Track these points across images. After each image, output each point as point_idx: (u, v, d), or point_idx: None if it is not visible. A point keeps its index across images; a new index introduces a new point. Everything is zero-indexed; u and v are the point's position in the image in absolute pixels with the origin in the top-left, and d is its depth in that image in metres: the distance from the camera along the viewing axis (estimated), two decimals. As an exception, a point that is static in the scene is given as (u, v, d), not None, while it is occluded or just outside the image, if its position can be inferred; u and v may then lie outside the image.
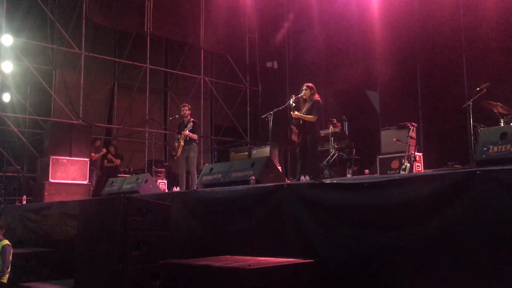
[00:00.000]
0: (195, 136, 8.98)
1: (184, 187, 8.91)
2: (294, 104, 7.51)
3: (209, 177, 6.85)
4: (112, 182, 9.21)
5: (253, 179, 6.06)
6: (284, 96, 14.39)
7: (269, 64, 16.38)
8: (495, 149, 4.16)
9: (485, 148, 4.23)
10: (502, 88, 9.09)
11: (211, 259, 4.43)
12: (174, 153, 9.10)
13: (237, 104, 16.40)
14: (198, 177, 7.79)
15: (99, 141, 12.66)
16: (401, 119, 8.96)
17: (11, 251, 6.83)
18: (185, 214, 5.94)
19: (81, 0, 12.98)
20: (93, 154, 12.10)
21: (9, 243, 6.91)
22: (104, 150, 12.61)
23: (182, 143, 8.85)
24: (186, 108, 9.18)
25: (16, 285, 6.39)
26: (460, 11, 11.26)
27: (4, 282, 6.63)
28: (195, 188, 7.84)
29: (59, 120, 12.22)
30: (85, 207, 5.54)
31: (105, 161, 12.58)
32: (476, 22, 10.88)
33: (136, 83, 14.65)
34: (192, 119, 9.13)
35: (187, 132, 8.81)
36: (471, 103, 7.47)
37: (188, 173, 9.10)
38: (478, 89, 7.59)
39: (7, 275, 6.69)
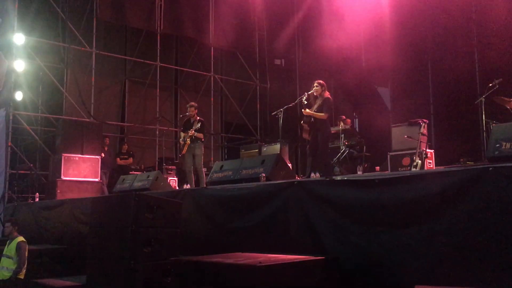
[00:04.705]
0: (200, 135, 9.07)
1: (192, 184, 8.96)
2: (306, 102, 7.49)
3: (220, 175, 6.87)
4: (123, 179, 9.27)
5: (264, 176, 6.05)
6: (293, 93, 14.36)
7: (277, 62, 16.36)
8: (508, 145, 4.12)
9: (497, 145, 4.19)
10: (515, 84, 8.97)
11: (222, 256, 4.45)
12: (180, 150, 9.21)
13: (247, 101, 16.39)
14: (208, 175, 7.81)
15: (108, 138, 12.72)
16: (412, 116, 8.91)
17: (27, 248, 6.91)
18: (196, 211, 5.97)
19: (91, -2, 13.09)
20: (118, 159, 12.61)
21: (24, 240, 7.01)
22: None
23: (188, 141, 8.97)
24: (192, 108, 9.24)
25: (29, 281, 6.46)
26: (472, 6, 11.14)
27: (21, 278, 6.73)
28: (205, 185, 7.86)
29: (71, 118, 12.31)
30: (97, 205, 5.58)
31: (118, 158, 12.68)
32: (488, 18, 10.75)
33: (146, 81, 14.73)
34: (198, 118, 9.19)
35: (192, 131, 8.91)
36: (483, 99, 7.38)
37: (195, 170, 9.18)
38: (490, 85, 7.49)
39: (24, 271, 6.79)
